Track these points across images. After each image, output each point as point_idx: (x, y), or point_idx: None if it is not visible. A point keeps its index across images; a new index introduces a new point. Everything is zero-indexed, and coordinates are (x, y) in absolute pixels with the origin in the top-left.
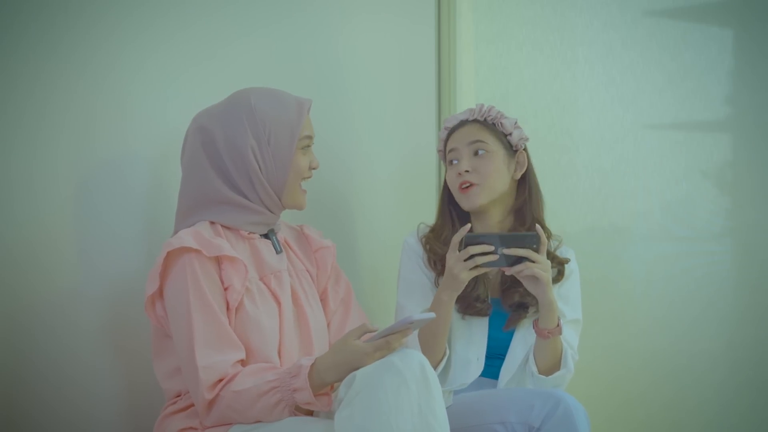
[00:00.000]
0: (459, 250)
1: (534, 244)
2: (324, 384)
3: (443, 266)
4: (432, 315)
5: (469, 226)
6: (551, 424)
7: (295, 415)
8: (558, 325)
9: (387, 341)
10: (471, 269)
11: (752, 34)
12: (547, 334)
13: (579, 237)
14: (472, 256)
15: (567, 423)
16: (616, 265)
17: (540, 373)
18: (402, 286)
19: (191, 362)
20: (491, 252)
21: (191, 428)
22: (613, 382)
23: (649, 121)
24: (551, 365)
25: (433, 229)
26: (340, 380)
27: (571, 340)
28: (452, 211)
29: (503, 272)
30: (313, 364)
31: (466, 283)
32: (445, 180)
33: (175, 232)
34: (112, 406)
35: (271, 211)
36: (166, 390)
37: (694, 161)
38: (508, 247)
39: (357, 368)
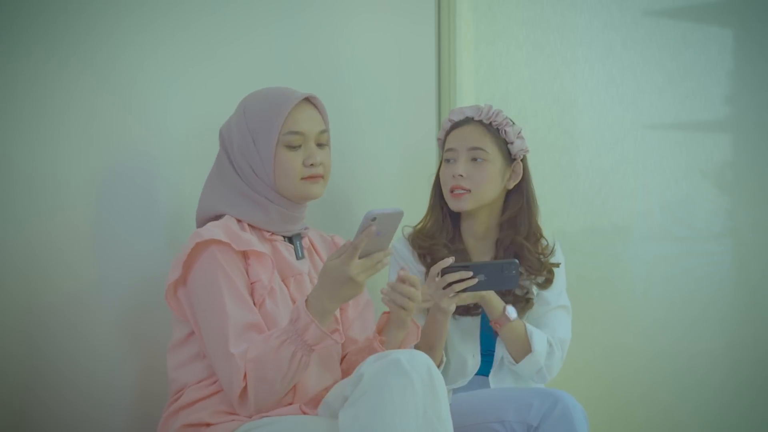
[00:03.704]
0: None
1: (513, 270)
2: (326, 313)
3: (432, 259)
4: (398, 209)
5: (451, 259)
6: (549, 423)
7: (319, 361)
8: (503, 314)
9: (354, 245)
10: (451, 297)
11: (752, 34)
12: (496, 324)
13: (579, 237)
14: (450, 284)
15: (565, 421)
16: (616, 265)
17: (515, 361)
18: None
19: (224, 350)
20: (469, 278)
21: (195, 425)
22: (613, 383)
23: (649, 121)
24: (520, 350)
25: (421, 225)
26: (339, 303)
27: (557, 325)
28: (444, 207)
29: None
30: (307, 301)
31: (452, 309)
32: (437, 176)
33: (199, 218)
34: (125, 397)
35: (286, 208)
36: (173, 381)
37: (694, 161)
38: (486, 275)
39: (347, 284)
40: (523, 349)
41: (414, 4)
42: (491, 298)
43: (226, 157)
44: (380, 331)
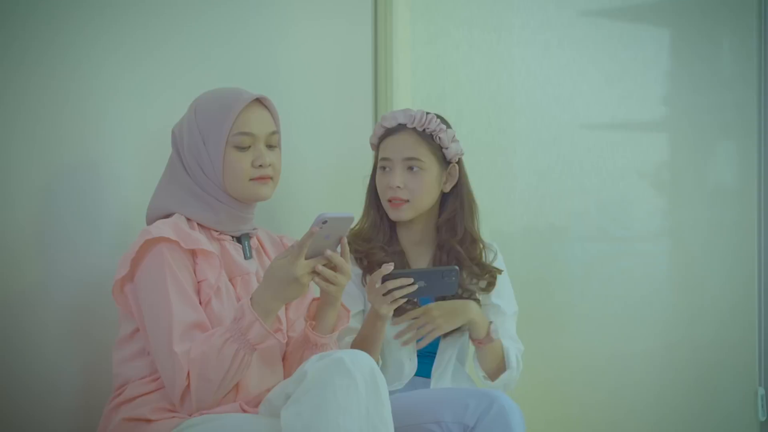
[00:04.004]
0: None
1: (453, 277)
2: (270, 312)
3: (369, 262)
4: (348, 215)
5: (391, 266)
6: (486, 423)
7: (261, 361)
8: (488, 335)
9: (300, 244)
10: (390, 303)
11: (688, 34)
12: (479, 344)
13: (516, 237)
14: (390, 291)
15: (501, 422)
16: (553, 266)
17: (488, 376)
18: None
19: (168, 348)
20: (409, 284)
21: (136, 419)
22: (550, 382)
23: (586, 122)
24: (495, 368)
25: (358, 228)
26: (283, 303)
27: (515, 335)
28: (380, 209)
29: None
30: (251, 299)
31: (390, 314)
32: (372, 179)
33: (149, 216)
34: (68, 397)
35: (235, 209)
36: (116, 375)
37: (631, 161)
38: (427, 281)
39: (292, 284)
40: (498, 366)
41: (351, 4)
42: (479, 319)
43: (177, 157)
44: (312, 317)
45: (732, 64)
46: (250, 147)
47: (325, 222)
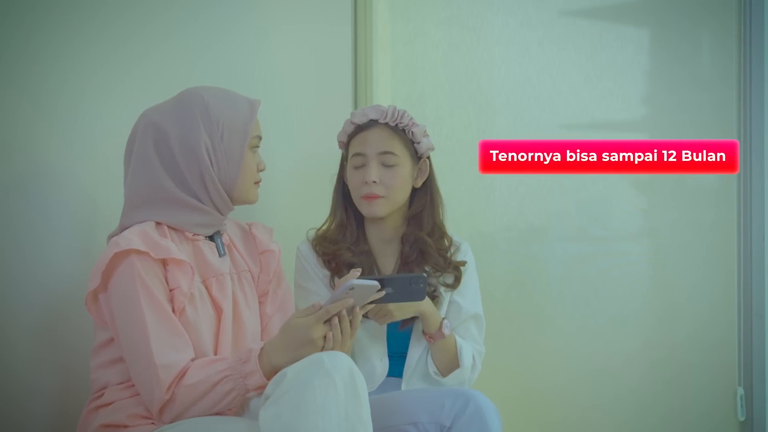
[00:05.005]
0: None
1: (421, 284)
2: (274, 368)
3: (337, 263)
4: (375, 283)
5: (358, 271)
6: (462, 422)
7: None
8: (440, 330)
9: (326, 310)
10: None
11: (668, 34)
12: (430, 339)
13: (496, 237)
14: None
15: (478, 420)
16: (532, 265)
17: (440, 373)
18: (298, 294)
19: (148, 362)
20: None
21: (113, 425)
22: (530, 382)
23: (565, 122)
24: (448, 365)
25: (325, 229)
26: (291, 362)
27: (477, 336)
28: (348, 209)
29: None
30: (262, 348)
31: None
32: (340, 178)
33: (120, 226)
34: (43, 398)
35: (220, 212)
36: (94, 380)
37: None
38: (395, 288)
39: (306, 345)
40: (451, 363)
41: (330, 4)
42: (431, 312)
43: (154, 150)
44: None
45: (711, 64)
46: (257, 149)
47: (352, 288)
